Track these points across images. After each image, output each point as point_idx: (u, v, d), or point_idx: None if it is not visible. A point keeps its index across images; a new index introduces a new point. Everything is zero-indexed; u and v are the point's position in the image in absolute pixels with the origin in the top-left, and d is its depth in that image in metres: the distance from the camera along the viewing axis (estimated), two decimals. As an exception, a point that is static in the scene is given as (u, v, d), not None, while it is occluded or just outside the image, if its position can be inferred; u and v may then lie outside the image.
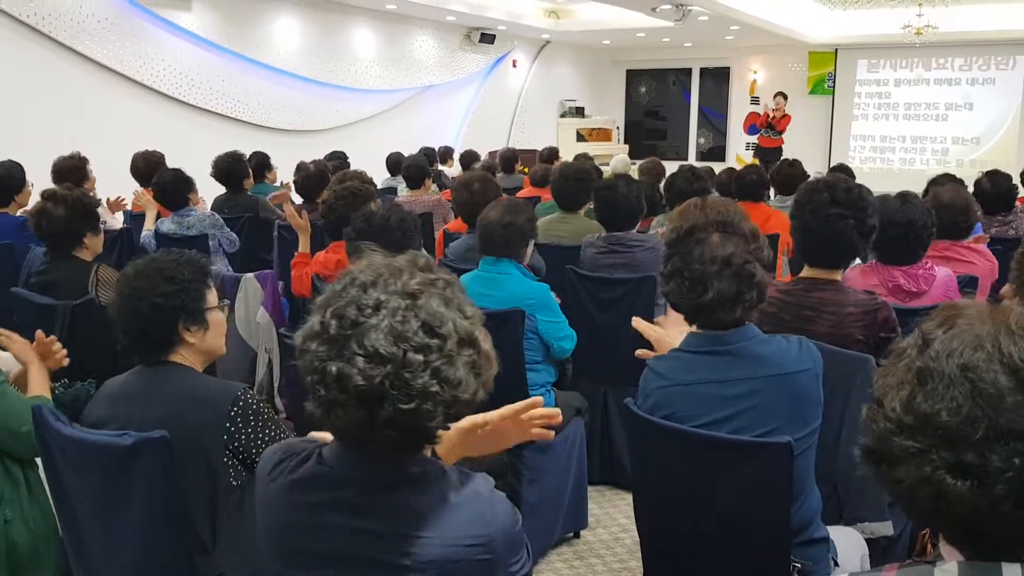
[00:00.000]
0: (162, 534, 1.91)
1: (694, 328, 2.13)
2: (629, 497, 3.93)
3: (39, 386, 2.38)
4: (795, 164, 6.45)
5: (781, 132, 13.00)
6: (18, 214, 4.85)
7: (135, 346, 2.09)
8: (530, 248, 3.43)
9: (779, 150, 12.65)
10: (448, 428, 1.33)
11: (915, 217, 3.10)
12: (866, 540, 2.38)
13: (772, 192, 6.41)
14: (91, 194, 5.12)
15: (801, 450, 1.99)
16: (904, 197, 3.19)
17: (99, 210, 3.72)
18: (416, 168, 6.56)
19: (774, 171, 6.53)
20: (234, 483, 2.00)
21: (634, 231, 4.25)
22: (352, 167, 7.39)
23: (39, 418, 1.98)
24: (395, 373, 1.22)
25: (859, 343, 2.56)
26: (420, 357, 1.23)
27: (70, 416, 2.13)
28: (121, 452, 1.84)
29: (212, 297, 2.17)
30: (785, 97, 13.12)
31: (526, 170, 9.12)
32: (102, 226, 3.54)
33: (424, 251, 3.41)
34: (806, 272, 2.69)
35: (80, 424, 2.05)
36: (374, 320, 1.24)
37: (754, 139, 15.00)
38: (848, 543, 2.26)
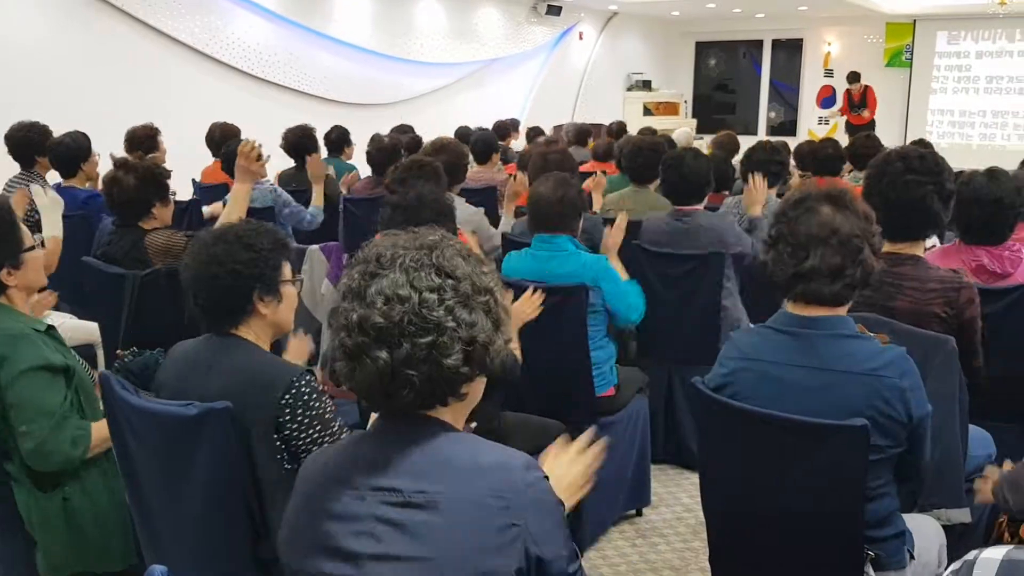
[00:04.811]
0: (222, 508, 1.90)
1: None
2: (693, 477, 3.89)
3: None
4: (871, 137, 6.23)
5: (866, 107, 12.41)
6: (86, 186, 4.90)
7: (206, 313, 2.07)
8: (582, 221, 3.37)
9: (871, 125, 12.15)
10: (471, 379, 1.35)
11: (1003, 195, 2.94)
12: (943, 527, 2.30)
13: (848, 167, 6.21)
14: (162, 164, 5.18)
15: (877, 457, 1.91)
16: (992, 174, 3.04)
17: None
18: (483, 143, 6.42)
19: (849, 145, 6.31)
20: (287, 467, 1.95)
21: (701, 206, 4.14)
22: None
23: (106, 386, 1.98)
24: (411, 311, 1.29)
25: (939, 320, 2.47)
26: (435, 296, 1.30)
27: (139, 385, 2.15)
28: (185, 422, 1.84)
29: (287, 270, 2.15)
30: (858, 77, 12.55)
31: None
32: (171, 197, 3.57)
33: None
34: (886, 248, 2.60)
35: (150, 388, 2.06)
36: (390, 268, 1.32)
37: (826, 113, 14.57)
38: (926, 533, 2.17)
